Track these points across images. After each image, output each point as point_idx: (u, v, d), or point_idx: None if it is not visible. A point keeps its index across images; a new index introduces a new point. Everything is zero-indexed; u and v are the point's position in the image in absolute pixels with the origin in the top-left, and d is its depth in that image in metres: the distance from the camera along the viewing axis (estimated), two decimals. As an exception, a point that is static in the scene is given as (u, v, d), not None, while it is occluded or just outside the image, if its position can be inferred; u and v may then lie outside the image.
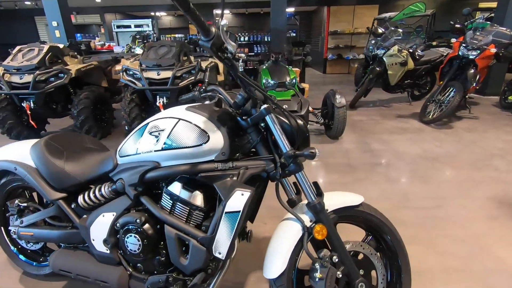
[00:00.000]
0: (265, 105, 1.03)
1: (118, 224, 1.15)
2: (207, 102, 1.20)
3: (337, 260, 1.04)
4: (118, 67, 4.26)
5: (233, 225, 0.99)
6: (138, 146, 1.10)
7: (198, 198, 1.08)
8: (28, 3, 9.71)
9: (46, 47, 3.47)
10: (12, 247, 1.55)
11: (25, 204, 1.43)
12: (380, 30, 5.14)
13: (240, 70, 0.98)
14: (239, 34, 7.28)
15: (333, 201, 1.10)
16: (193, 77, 3.33)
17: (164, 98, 3.38)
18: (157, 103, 3.37)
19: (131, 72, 3.44)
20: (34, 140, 1.38)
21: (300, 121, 1.10)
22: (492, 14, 5.71)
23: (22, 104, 3.38)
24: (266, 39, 7.26)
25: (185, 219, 1.09)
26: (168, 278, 1.09)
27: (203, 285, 1.10)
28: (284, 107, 3.47)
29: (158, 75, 3.31)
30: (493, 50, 3.75)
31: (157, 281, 1.11)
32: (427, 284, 1.45)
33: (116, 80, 4.41)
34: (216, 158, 1.04)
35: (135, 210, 1.15)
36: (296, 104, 3.43)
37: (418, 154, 3.05)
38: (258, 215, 1.98)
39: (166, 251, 1.11)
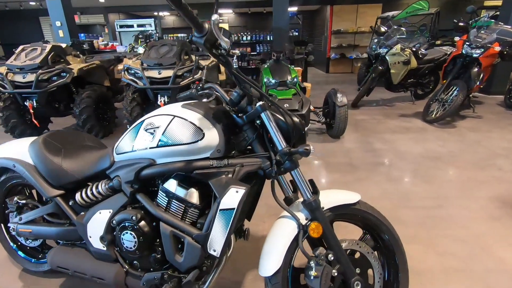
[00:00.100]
0: (260, 102, 1.02)
1: (114, 221, 1.15)
2: (204, 100, 1.20)
3: (332, 258, 1.03)
4: (120, 67, 4.28)
5: (228, 222, 0.98)
6: (134, 143, 1.11)
7: (193, 196, 1.08)
8: (32, 3, 9.80)
9: (48, 47, 3.50)
10: (11, 244, 1.57)
11: (24, 201, 1.44)
12: (383, 29, 5.11)
13: (234, 66, 0.97)
14: (242, 33, 7.28)
15: (329, 199, 1.09)
16: (196, 76, 3.34)
17: (166, 97, 3.39)
18: (159, 102, 3.38)
19: (132, 71, 3.45)
20: (33, 138, 1.39)
21: (296, 119, 1.10)
22: (497, 13, 5.64)
23: (25, 103, 3.41)
24: (268, 38, 7.25)
25: (180, 217, 1.09)
26: (163, 275, 1.09)
27: (197, 282, 1.10)
28: (285, 106, 3.47)
29: (159, 74, 3.32)
30: (497, 48, 3.70)
31: (152, 278, 1.11)
32: (426, 284, 1.43)
33: (118, 79, 4.43)
34: (211, 155, 1.03)
35: (131, 207, 1.15)
36: (297, 103, 3.42)
37: (420, 154, 3.02)
38: (256, 214, 1.98)
39: (162, 249, 1.11)
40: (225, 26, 12.05)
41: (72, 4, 6.28)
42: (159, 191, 1.12)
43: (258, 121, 1.07)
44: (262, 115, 1.02)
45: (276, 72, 3.78)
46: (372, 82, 4.86)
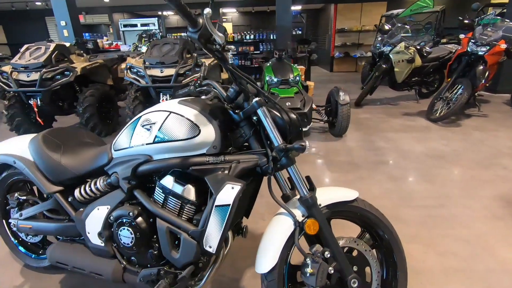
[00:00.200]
0: (257, 98, 1.02)
1: (111, 217, 1.15)
2: (203, 97, 1.20)
3: (329, 255, 1.02)
4: (123, 65, 4.29)
5: (223, 218, 0.98)
6: (131, 140, 1.11)
7: (190, 192, 1.07)
8: (38, 3, 9.91)
9: (52, 46, 3.53)
10: (13, 240, 1.59)
11: (25, 197, 1.46)
12: (386, 27, 5.06)
13: (230, 62, 0.97)
14: (245, 32, 7.27)
15: (326, 196, 1.08)
16: (196, 75, 3.34)
17: (168, 95, 3.40)
18: (161, 100, 3.40)
19: (135, 70, 3.47)
20: (33, 135, 1.40)
21: (292, 115, 1.09)
22: (505, 10, 5.55)
23: (30, 101, 3.45)
24: (271, 37, 7.23)
25: (177, 213, 1.09)
26: (159, 271, 1.09)
27: (193, 278, 1.10)
28: (287, 104, 3.45)
29: (162, 72, 3.33)
30: (503, 46, 3.65)
31: (148, 274, 1.11)
32: (426, 283, 1.41)
33: (121, 78, 4.46)
34: (207, 151, 1.03)
35: (128, 204, 1.16)
36: (299, 102, 3.41)
37: (423, 153, 2.99)
38: (256, 211, 1.98)
39: (158, 245, 1.11)
40: (229, 25, 12.08)
41: (77, 4, 6.34)
42: (156, 187, 1.12)
43: (254, 118, 1.06)
44: (259, 111, 1.02)
45: (278, 71, 3.77)
46: (375, 80, 4.82)
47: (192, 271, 1.08)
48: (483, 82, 3.76)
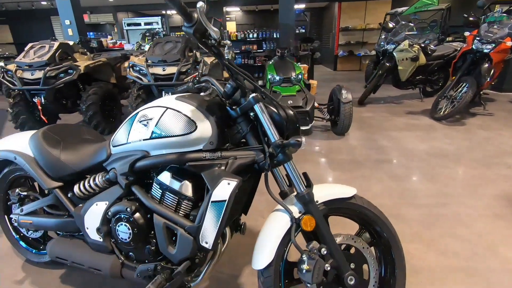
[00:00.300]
0: (253, 94, 1.02)
1: (109, 213, 1.16)
2: (202, 93, 1.20)
3: (325, 252, 1.01)
4: (127, 64, 4.32)
5: (219, 214, 0.98)
6: (129, 136, 1.11)
7: (187, 188, 1.08)
8: (44, 3, 10.00)
9: (56, 44, 3.56)
10: (14, 235, 1.60)
11: (26, 193, 1.47)
12: (390, 25, 5.02)
13: (227, 57, 0.97)
14: (248, 31, 7.27)
15: (323, 192, 1.08)
16: (197, 73, 3.35)
17: (170, 93, 3.41)
18: (163, 99, 3.41)
19: (137, 68, 3.49)
20: (34, 131, 1.41)
21: (290, 111, 1.08)
22: None
23: (34, 99, 3.49)
24: (275, 36, 7.22)
25: (174, 209, 1.09)
26: (156, 266, 1.10)
27: (190, 274, 1.10)
28: (289, 102, 3.44)
29: (164, 70, 3.34)
30: (509, 43, 3.59)
31: (146, 269, 1.11)
32: (426, 282, 1.40)
33: (125, 76, 4.47)
34: (204, 147, 1.03)
35: (126, 200, 1.16)
36: (302, 100, 3.40)
37: (426, 151, 2.96)
38: (256, 209, 1.98)
39: (156, 240, 1.12)
40: (233, 24, 12.07)
41: (81, 3, 6.39)
42: (154, 183, 1.12)
43: (252, 114, 1.06)
44: (255, 107, 1.02)
45: (281, 69, 3.77)
46: (379, 79, 4.78)
47: (189, 267, 1.09)
48: (488, 80, 3.71)
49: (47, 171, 1.30)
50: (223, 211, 0.98)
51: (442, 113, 3.96)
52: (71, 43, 3.85)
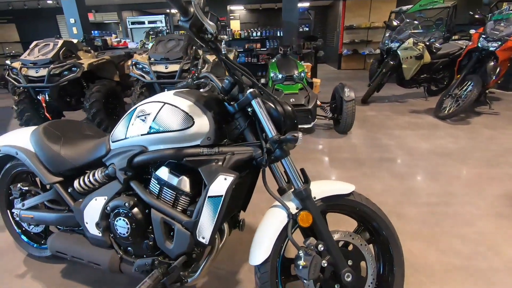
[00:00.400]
0: (251, 89, 1.01)
1: (108, 208, 1.17)
2: (201, 90, 1.20)
3: (323, 249, 1.01)
4: (130, 62, 4.35)
5: (216, 209, 0.98)
6: (127, 131, 1.12)
7: (184, 183, 1.08)
8: (50, 2, 10.09)
9: (60, 42, 3.60)
10: (16, 229, 1.62)
11: (27, 188, 1.49)
12: (395, 23, 4.97)
13: (223, 52, 0.97)
14: (251, 29, 7.25)
15: (321, 189, 1.07)
16: (197, 69, 3.36)
17: (172, 91, 3.42)
18: (165, 96, 3.42)
19: (140, 66, 3.50)
20: (36, 127, 1.43)
21: (288, 107, 1.08)
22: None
23: (38, 97, 3.53)
24: (278, 34, 7.20)
25: (171, 204, 1.09)
26: (154, 261, 1.10)
27: (187, 269, 1.10)
28: (291, 100, 3.43)
29: (166, 68, 3.35)
30: (516, 41, 3.53)
31: (143, 264, 1.12)
32: (426, 281, 1.39)
33: (128, 74, 4.49)
34: (201, 143, 1.03)
35: (125, 195, 1.17)
36: (304, 98, 3.39)
37: (429, 150, 2.93)
38: (257, 206, 1.98)
39: (154, 235, 1.12)
40: (237, 22, 12.06)
41: (86, 2, 6.43)
42: (152, 178, 1.12)
43: (249, 109, 1.06)
44: (253, 102, 1.01)
45: (283, 67, 3.75)
46: (382, 77, 4.75)
47: (186, 262, 1.09)
48: (494, 78, 3.66)
49: (48, 166, 1.31)
50: (220, 206, 0.98)
51: (446, 112, 3.92)
52: (75, 41, 3.88)
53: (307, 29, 8.80)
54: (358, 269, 1.10)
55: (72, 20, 6.10)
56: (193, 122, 1.01)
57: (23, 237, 1.62)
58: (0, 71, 7.83)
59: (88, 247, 1.27)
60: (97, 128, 1.53)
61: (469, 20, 3.98)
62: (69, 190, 1.32)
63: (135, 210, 1.12)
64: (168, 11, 12.32)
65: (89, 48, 4.18)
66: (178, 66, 3.30)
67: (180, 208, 1.09)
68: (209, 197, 0.98)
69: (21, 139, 1.40)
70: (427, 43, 4.62)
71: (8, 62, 3.73)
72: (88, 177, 1.27)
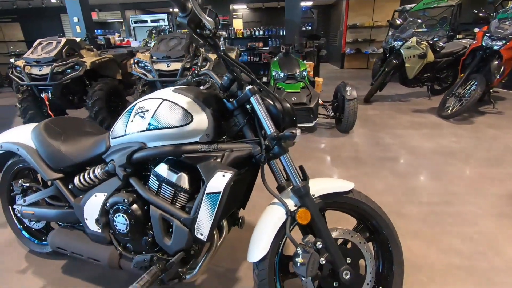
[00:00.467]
0: (250, 86, 1.01)
1: (108, 204, 1.17)
2: (201, 87, 1.20)
3: (321, 246, 1.00)
4: (132, 61, 4.36)
5: (214, 206, 0.98)
6: (126, 128, 1.12)
7: (183, 180, 1.08)
8: (54, 1, 10.15)
9: (63, 40, 3.61)
10: (18, 225, 1.64)
11: (28, 184, 1.50)
12: (398, 21, 4.93)
13: (222, 48, 0.96)
14: (254, 28, 7.24)
15: (320, 186, 1.07)
16: (196, 66, 3.36)
17: (173, 89, 3.43)
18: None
19: (142, 64, 3.52)
20: (37, 123, 1.43)
21: (287, 104, 1.07)
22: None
23: (41, 95, 3.55)
24: (281, 33, 7.17)
25: (170, 200, 1.09)
26: (152, 257, 1.10)
27: (185, 266, 1.10)
28: (292, 99, 3.41)
29: (168, 66, 3.36)
30: (521, 40, 3.49)
31: (142, 260, 1.12)
32: (426, 280, 1.38)
33: (131, 73, 4.51)
34: (200, 139, 1.03)
35: (124, 191, 1.17)
36: (306, 97, 3.38)
37: (432, 149, 2.91)
38: (258, 204, 1.98)
39: (153, 232, 1.12)
40: (239, 21, 12.05)
41: (89, 1, 6.46)
42: (151, 175, 1.13)
43: (248, 106, 1.05)
44: (252, 99, 1.01)
45: (285, 65, 3.74)
46: (385, 76, 4.72)
47: (184, 259, 1.09)
48: (498, 77, 3.62)
49: (48, 162, 1.32)
50: (218, 203, 0.98)
51: (449, 111, 3.89)
52: (78, 39, 3.90)
53: (310, 28, 8.77)
54: (357, 267, 1.09)
55: (75, 19, 6.13)
56: (192, 119, 1.01)
57: (24, 233, 1.63)
58: (4, 70, 7.90)
59: (88, 243, 1.28)
60: (98, 125, 1.53)
61: (473, 18, 3.95)
62: (70, 187, 1.32)
63: (134, 206, 1.13)
64: (171, 10, 12.34)
65: (92, 46, 4.19)
66: (180, 65, 3.30)
67: (179, 204, 1.09)
68: (207, 193, 0.98)
69: (22, 135, 1.41)
70: (431, 42, 4.59)
71: (12, 60, 3.76)
72: (88, 174, 1.27)
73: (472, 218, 1.82)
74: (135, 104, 1.13)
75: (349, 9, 9.59)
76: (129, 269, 1.19)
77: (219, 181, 0.97)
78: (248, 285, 1.39)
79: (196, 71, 1.26)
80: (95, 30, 6.97)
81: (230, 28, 7.21)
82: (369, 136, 3.37)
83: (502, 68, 3.61)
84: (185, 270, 1.11)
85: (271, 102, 1.05)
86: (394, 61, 4.63)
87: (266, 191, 1.05)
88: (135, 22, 8.85)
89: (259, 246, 1.01)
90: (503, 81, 4.31)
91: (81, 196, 1.29)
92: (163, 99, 1.05)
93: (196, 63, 3.37)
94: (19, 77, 3.51)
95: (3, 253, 1.66)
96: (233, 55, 4.64)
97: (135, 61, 3.57)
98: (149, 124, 1.05)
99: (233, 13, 11.57)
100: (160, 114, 1.03)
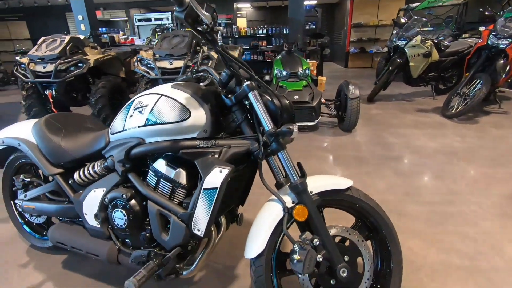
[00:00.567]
0: (248, 82, 1.01)
1: (106, 199, 1.18)
2: (201, 84, 1.19)
3: (318, 243, 1.00)
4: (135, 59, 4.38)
5: (211, 202, 0.98)
6: (125, 123, 1.12)
7: (181, 176, 1.08)
8: (59, -1, 10.24)
9: (67, 38, 3.64)
10: (20, 220, 1.65)
11: (29, 179, 1.51)
12: (402, 20, 4.89)
13: (219, 43, 0.96)
14: (257, 27, 7.23)
15: (318, 183, 1.06)
16: (196, 62, 3.36)
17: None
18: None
19: (145, 62, 3.53)
20: (38, 119, 1.44)
21: (285, 100, 1.07)
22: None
23: (45, 92, 3.58)
24: (284, 32, 7.16)
25: (168, 196, 1.10)
26: (150, 252, 1.11)
27: (182, 261, 1.10)
28: (295, 97, 3.40)
29: (171, 64, 3.37)
30: (527, 38, 3.44)
31: (140, 255, 1.13)
32: (425, 279, 1.36)
33: (134, 70, 4.54)
34: (198, 135, 1.03)
35: (123, 187, 1.18)
36: (308, 95, 3.36)
37: (435, 149, 2.88)
38: (258, 202, 1.97)
39: (151, 227, 1.13)
40: (243, 20, 12.04)
41: (94, 0, 6.50)
42: (149, 170, 1.13)
43: (247, 102, 1.05)
44: (249, 95, 1.01)
45: (288, 64, 3.73)
46: (389, 75, 4.68)
47: (182, 254, 1.09)
48: (503, 77, 3.58)
49: (49, 157, 1.33)
50: (215, 198, 0.97)
51: (454, 110, 3.85)
52: (82, 37, 3.93)
53: (313, 26, 8.73)
54: (355, 265, 1.08)
55: (80, 17, 6.17)
56: (190, 114, 1.01)
57: (25, 227, 1.64)
58: (11, 68, 7.98)
59: (87, 238, 1.29)
60: (98, 122, 1.54)
61: (479, 17, 3.90)
62: (70, 182, 1.33)
63: (133, 202, 1.13)
64: (175, 8, 12.36)
65: (96, 44, 4.22)
66: (183, 62, 3.31)
67: (177, 200, 1.09)
68: (204, 189, 0.98)
69: (23, 131, 1.42)
70: (435, 41, 4.54)
71: (17, 58, 3.80)
72: (88, 169, 1.28)
73: (475, 218, 1.79)
74: (134, 100, 1.13)
75: (354, 7, 9.53)
76: (127, 264, 1.19)
77: (216, 177, 0.97)
78: (246, 282, 1.39)
79: (195, 68, 1.26)
80: (100, 29, 7.02)
81: (234, 27, 7.21)
82: (372, 135, 3.35)
83: (508, 67, 3.57)
84: (182, 265, 1.11)
85: (269, 98, 1.05)
86: (398, 60, 4.59)
87: (266, 189, 1.04)
88: (139, 20, 8.88)
89: (256, 243, 1.01)
90: (509, 80, 4.26)
91: (80, 192, 1.30)
92: (161, 95, 1.05)
93: (196, 59, 3.37)
94: (24, 74, 3.54)
95: (5, 248, 1.68)
96: (236, 53, 4.64)
97: (138, 58, 3.59)
98: (147, 119, 1.05)
99: (237, 12, 11.57)
100: (158, 110, 1.03)
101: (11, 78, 8.52)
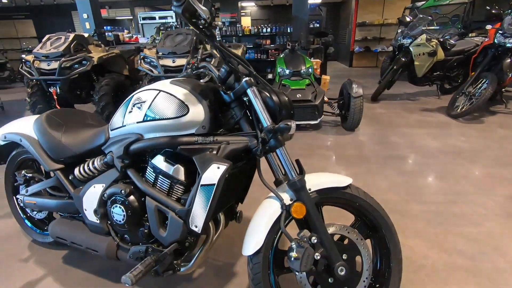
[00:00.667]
0: (246, 78, 1.00)
1: (105, 195, 1.18)
2: (201, 80, 1.19)
3: (316, 241, 0.99)
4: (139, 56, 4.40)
5: (208, 198, 0.98)
6: (124, 119, 1.13)
7: (179, 172, 1.08)
8: (65, -3, 10.31)
9: (71, 36, 3.66)
10: (21, 215, 1.67)
11: (31, 175, 1.53)
12: (407, 18, 4.83)
13: (218, 39, 0.95)
14: (261, 25, 7.21)
15: (317, 181, 1.05)
16: (196, 59, 3.36)
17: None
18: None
19: (148, 60, 3.54)
20: (39, 115, 1.45)
21: (284, 97, 1.06)
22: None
23: (50, 89, 3.61)
24: (288, 30, 7.13)
25: (166, 192, 1.09)
26: (147, 248, 1.11)
27: (179, 258, 1.10)
28: (297, 96, 3.38)
29: (174, 62, 3.37)
30: (535, 37, 3.38)
31: (137, 251, 1.13)
32: (426, 279, 1.35)
33: (138, 68, 4.55)
34: (196, 131, 1.03)
35: (122, 182, 1.18)
36: (311, 94, 3.35)
37: (439, 149, 2.85)
38: (258, 198, 1.96)
39: (149, 223, 1.13)
40: (248, 19, 12.02)
41: (99, -2, 6.55)
42: (148, 167, 1.13)
43: (245, 98, 1.04)
44: (248, 91, 1.00)
45: (291, 62, 3.72)
46: (393, 74, 4.63)
47: (179, 251, 1.09)
48: (510, 76, 3.52)
49: (49, 153, 1.33)
50: (212, 195, 0.97)
51: (459, 110, 3.80)
52: (86, 35, 3.95)
53: (318, 25, 8.68)
54: (353, 263, 1.07)
55: (85, 15, 6.21)
56: (188, 110, 1.00)
57: (27, 222, 1.66)
58: (17, 66, 8.07)
59: (87, 233, 1.29)
60: (99, 118, 1.55)
61: (485, 15, 3.84)
62: (70, 177, 1.34)
63: (131, 197, 1.13)
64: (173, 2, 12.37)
65: (100, 42, 4.24)
66: (185, 60, 3.31)
67: (175, 196, 1.09)
68: (201, 185, 0.98)
69: (25, 126, 1.43)
70: (441, 40, 4.48)
71: (23, 55, 3.84)
72: (88, 165, 1.28)
73: (478, 219, 1.77)
74: (133, 95, 1.13)
75: (359, 6, 9.46)
76: (125, 259, 1.20)
77: (214, 173, 0.96)
78: (244, 279, 1.39)
79: (195, 64, 1.26)
80: (105, 27, 7.06)
81: (238, 25, 7.19)
82: (375, 135, 3.32)
83: (514, 67, 3.51)
84: (179, 262, 1.11)
85: (268, 95, 1.04)
86: (403, 59, 4.54)
87: (264, 187, 1.03)
88: (144, 18, 8.92)
89: (253, 240, 1.01)
90: (516, 80, 4.19)
91: (80, 187, 1.30)
92: (160, 90, 1.05)
93: (196, 56, 3.37)
94: (29, 71, 3.57)
95: (7, 242, 1.69)
96: (239, 52, 4.63)
97: (141, 56, 3.60)
98: (145, 115, 1.05)
99: (242, 11, 11.54)
100: (157, 105, 1.03)
101: (17, 75, 8.62)
